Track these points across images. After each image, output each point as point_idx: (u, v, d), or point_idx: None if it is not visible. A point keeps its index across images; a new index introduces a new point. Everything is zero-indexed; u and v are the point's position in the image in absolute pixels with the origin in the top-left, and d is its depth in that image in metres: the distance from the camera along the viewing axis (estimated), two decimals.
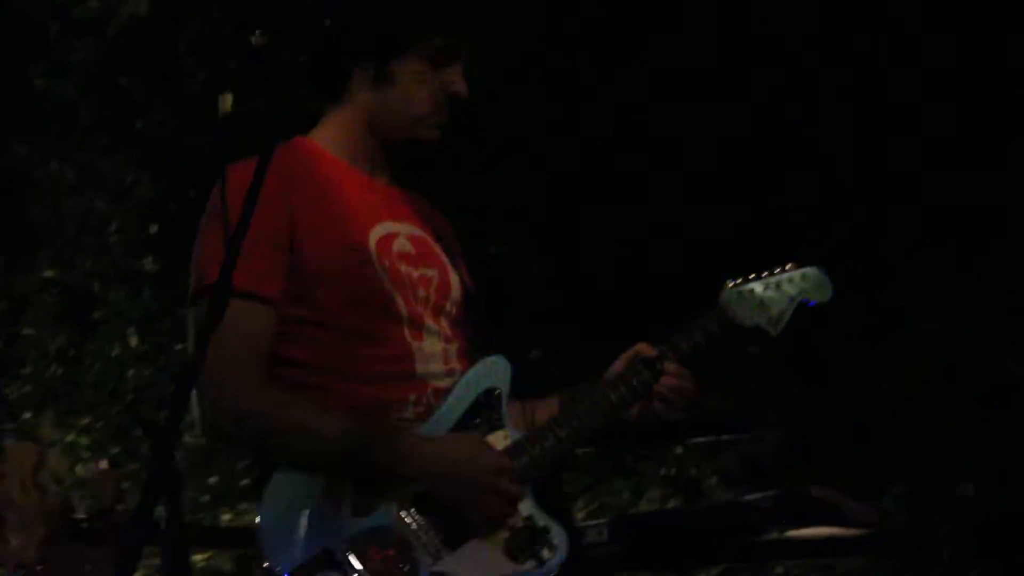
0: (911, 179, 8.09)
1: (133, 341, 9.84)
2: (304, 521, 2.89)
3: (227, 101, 2.75)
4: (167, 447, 2.47)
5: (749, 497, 4.41)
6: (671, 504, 9.22)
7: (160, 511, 2.51)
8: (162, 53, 9.83)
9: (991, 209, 8.06)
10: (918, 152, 7.95)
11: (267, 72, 3.02)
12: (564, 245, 8.51)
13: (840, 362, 8.58)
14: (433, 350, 3.14)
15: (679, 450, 8.64)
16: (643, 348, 3.24)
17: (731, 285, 3.28)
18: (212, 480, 10.00)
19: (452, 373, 3.14)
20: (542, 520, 3.04)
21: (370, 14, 3.18)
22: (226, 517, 9.93)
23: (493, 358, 3.19)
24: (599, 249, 8.38)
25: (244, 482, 9.47)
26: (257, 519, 2.90)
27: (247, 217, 2.65)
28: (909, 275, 7.98)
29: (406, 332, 3.11)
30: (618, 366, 3.27)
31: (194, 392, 2.89)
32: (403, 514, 2.95)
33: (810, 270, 3.33)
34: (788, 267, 3.34)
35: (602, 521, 4.63)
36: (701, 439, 7.64)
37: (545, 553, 3.01)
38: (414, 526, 2.94)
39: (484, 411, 3.11)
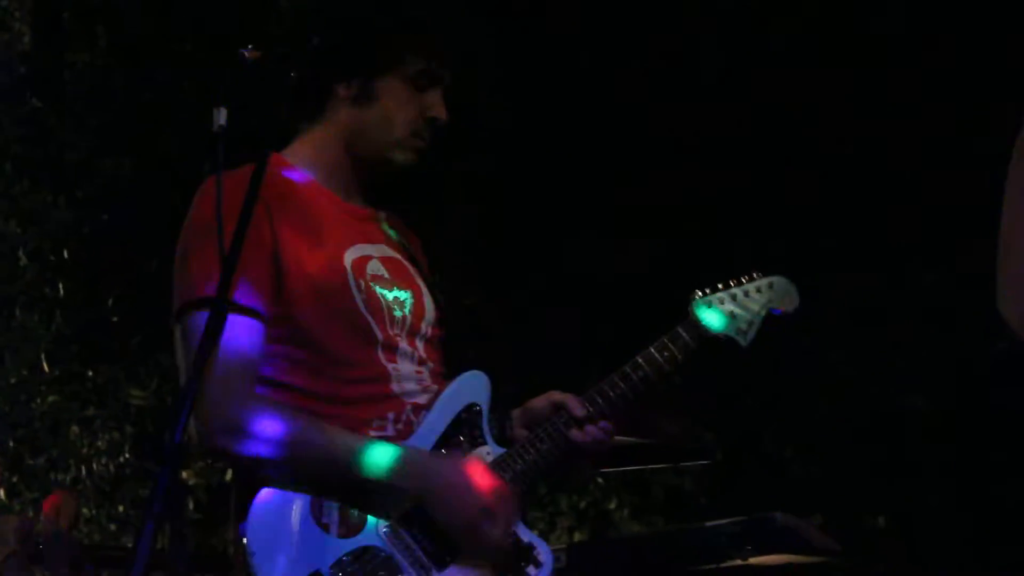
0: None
1: (45, 366, 9.73)
2: (292, 543, 2.86)
3: (222, 115, 2.74)
4: (175, 467, 2.44)
5: (714, 523, 4.42)
6: (576, 537, 9.24)
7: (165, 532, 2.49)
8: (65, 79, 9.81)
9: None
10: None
11: (259, 86, 3.02)
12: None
13: (755, 397, 8.69)
14: (407, 371, 3.12)
15: (600, 481, 8.68)
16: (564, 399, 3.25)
17: (699, 296, 3.29)
18: (120, 508, 9.90)
19: (428, 391, 3.12)
20: (527, 536, 3.04)
21: (359, 32, 3.18)
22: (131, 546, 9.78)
23: (472, 373, 3.18)
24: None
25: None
26: (244, 540, 2.87)
27: (242, 232, 2.64)
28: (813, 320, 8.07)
29: (380, 354, 3.09)
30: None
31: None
32: (391, 532, 2.94)
33: (776, 279, 3.34)
34: (755, 276, 3.36)
35: (561, 547, 4.62)
36: (624, 468, 7.67)
37: (531, 570, 3.01)
38: (402, 544, 2.93)
39: (466, 427, 3.10)
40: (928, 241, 8.27)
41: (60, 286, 9.80)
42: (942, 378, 8.41)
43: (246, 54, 2.83)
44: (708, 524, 4.44)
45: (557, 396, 3.22)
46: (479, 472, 3.01)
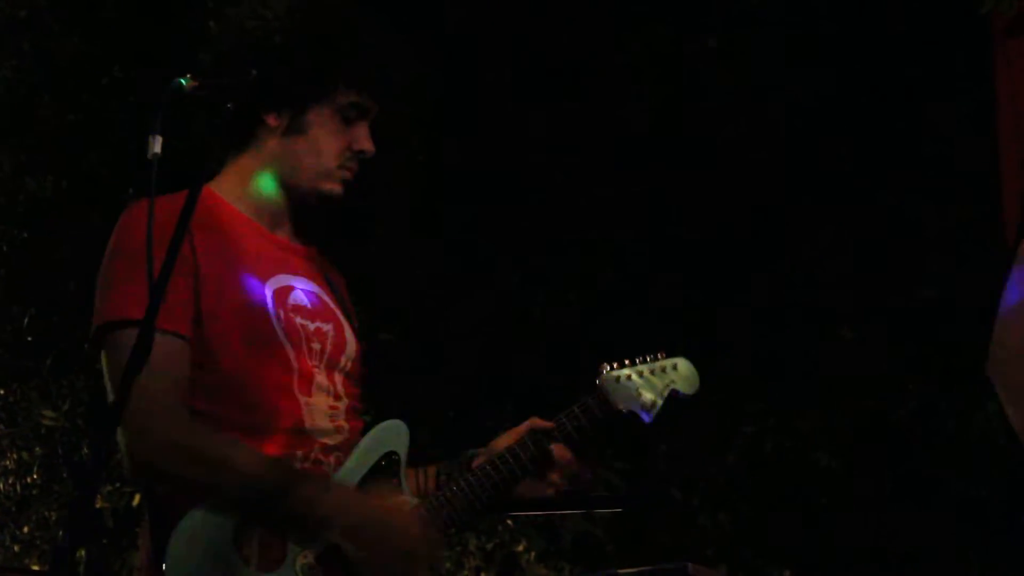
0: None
1: None
2: (212, 573, 2.89)
3: (157, 143, 2.75)
4: (91, 489, 2.45)
5: (624, 571, 4.46)
6: None
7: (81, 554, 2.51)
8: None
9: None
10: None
11: (194, 114, 3.04)
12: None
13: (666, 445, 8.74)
14: (320, 406, 3.16)
15: (509, 523, 8.68)
16: (537, 422, 3.32)
17: (608, 370, 3.38)
18: (24, 529, 9.77)
19: (340, 431, 3.16)
20: None
21: (293, 63, 3.20)
22: (35, 568, 9.67)
23: (392, 422, 3.23)
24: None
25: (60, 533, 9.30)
26: (163, 567, 2.89)
27: (172, 257, 2.65)
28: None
29: (295, 386, 3.13)
30: (506, 440, 3.33)
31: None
32: (308, 569, 2.97)
33: (680, 361, 3.47)
34: (660, 356, 3.45)
35: None
36: (531, 513, 7.69)
37: None
38: None
39: (384, 475, 3.15)
40: (846, 300, 8.38)
41: None
42: (851, 436, 8.50)
43: (184, 83, 2.85)
44: (619, 572, 4.47)
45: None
46: (405, 510, 3.06)
